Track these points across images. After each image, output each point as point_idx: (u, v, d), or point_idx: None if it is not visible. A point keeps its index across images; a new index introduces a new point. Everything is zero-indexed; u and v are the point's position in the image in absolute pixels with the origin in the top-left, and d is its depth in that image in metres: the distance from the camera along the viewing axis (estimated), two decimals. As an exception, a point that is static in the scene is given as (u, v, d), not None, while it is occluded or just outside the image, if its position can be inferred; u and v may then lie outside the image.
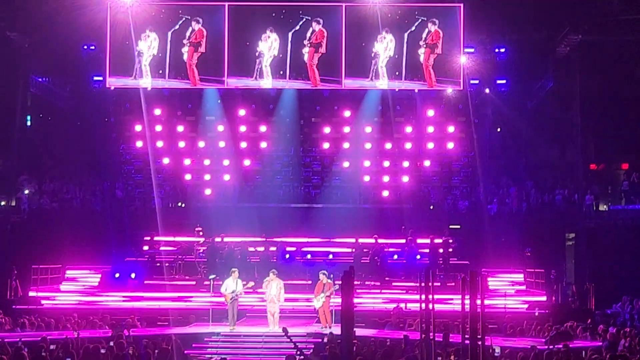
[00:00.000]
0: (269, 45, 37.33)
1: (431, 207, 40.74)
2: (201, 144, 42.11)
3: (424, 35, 36.97)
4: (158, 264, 35.80)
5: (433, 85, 37.37)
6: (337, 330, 22.67)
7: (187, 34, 37.15)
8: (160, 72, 37.43)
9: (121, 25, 36.77)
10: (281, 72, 37.44)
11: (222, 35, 37.24)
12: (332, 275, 29.96)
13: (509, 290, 32.92)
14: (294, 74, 37.52)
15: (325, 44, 37.12)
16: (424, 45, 36.91)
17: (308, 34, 37.16)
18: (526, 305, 32.21)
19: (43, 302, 32.58)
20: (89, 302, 32.64)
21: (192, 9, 37.35)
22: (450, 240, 35.66)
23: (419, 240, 35.78)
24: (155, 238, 36.68)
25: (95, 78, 40.58)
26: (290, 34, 37.16)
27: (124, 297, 32.76)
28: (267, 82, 37.76)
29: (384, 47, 37.21)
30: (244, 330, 28.69)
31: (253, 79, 37.52)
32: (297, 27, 37.16)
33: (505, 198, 40.28)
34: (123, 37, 36.90)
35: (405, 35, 37.00)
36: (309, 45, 37.13)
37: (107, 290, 33.65)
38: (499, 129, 42.43)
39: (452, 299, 28.51)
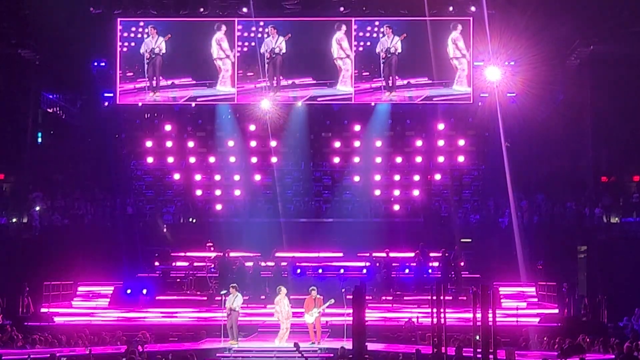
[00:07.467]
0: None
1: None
2: (212, 159, 42.20)
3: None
4: (170, 280, 35.84)
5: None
6: (348, 345, 22.65)
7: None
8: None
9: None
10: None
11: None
12: (344, 290, 29.89)
13: (520, 304, 32.78)
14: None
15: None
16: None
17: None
18: (538, 319, 32.08)
19: (55, 318, 32.59)
20: (101, 319, 32.64)
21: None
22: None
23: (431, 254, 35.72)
24: (172, 254, 36.81)
25: (106, 94, 40.67)
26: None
27: (135, 313, 32.77)
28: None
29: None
30: (255, 345, 28.63)
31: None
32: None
33: (517, 211, 40.13)
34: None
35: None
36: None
37: (118, 306, 33.66)
38: (507, 144, 42.30)
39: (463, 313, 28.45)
